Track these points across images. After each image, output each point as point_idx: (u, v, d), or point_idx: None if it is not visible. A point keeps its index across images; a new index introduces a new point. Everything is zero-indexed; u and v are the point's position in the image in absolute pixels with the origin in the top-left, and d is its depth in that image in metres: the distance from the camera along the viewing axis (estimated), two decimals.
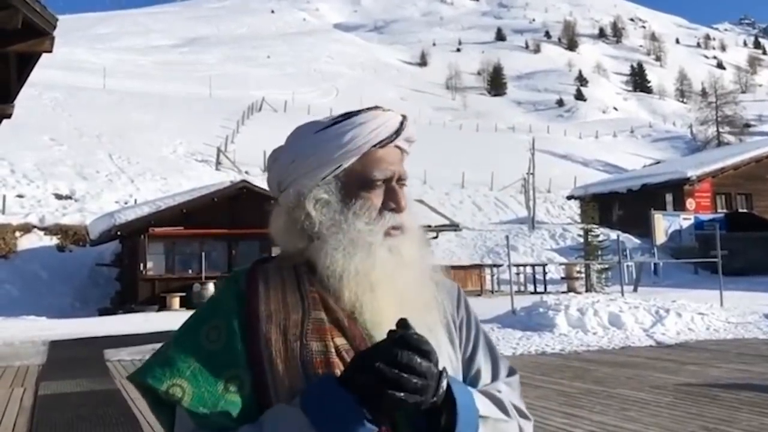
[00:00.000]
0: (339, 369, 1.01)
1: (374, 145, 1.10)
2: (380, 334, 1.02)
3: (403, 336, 0.93)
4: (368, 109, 1.15)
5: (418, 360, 0.91)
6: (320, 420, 0.92)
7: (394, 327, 0.96)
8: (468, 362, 1.17)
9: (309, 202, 1.09)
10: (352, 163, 1.10)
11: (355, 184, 1.10)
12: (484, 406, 1.06)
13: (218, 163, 43.94)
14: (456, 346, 1.16)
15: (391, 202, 1.10)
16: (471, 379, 1.16)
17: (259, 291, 1.09)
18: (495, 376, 1.18)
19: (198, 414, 1.00)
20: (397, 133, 1.13)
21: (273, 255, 1.19)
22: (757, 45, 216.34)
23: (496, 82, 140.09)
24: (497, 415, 1.08)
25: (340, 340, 1.05)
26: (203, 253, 22.77)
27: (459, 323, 1.19)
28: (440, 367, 0.96)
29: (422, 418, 0.98)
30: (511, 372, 1.21)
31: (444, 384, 0.96)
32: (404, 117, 1.16)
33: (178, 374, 1.02)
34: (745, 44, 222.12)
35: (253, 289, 1.09)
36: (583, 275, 23.87)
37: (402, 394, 0.90)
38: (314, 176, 1.10)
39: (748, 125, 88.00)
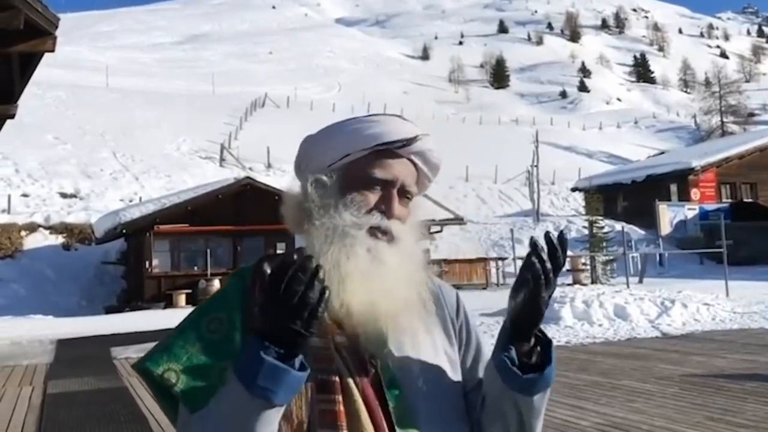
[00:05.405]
0: (340, 365, 1.04)
1: (380, 145, 1.12)
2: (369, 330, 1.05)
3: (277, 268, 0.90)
4: (389, 114, 1.19)
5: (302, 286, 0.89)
6: (239, 370, 0.90)
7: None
8: (470, 371, 1.19)
9: (310, 182, 1.13)
10: (358, 158, 1.12)
11: (356, 178, 1.12)
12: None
13: (222, 159, 44.04)
14: (454, 346, 1.19)
15: (383, 205, 1.11)
16: (474, 387, 1.17)
17: None
18: None
19: (190, 400, 1.01)
20: (407, 142, 1.14)
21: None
22: (761, 34, 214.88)
23: (498, 75, 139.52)
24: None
25: (340, 338, 1.06)
26: (208, 250, 22.84)
27: (459, 327, 1.21)
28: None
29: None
30: None
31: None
32: (422, 135, 1.16)
33: (174, 360, 1.04)
34: (749, 33, 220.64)
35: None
36: (588, 267, 23.83)
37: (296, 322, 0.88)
38: (323, 161, 1.15)
39: (752, 114, 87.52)
